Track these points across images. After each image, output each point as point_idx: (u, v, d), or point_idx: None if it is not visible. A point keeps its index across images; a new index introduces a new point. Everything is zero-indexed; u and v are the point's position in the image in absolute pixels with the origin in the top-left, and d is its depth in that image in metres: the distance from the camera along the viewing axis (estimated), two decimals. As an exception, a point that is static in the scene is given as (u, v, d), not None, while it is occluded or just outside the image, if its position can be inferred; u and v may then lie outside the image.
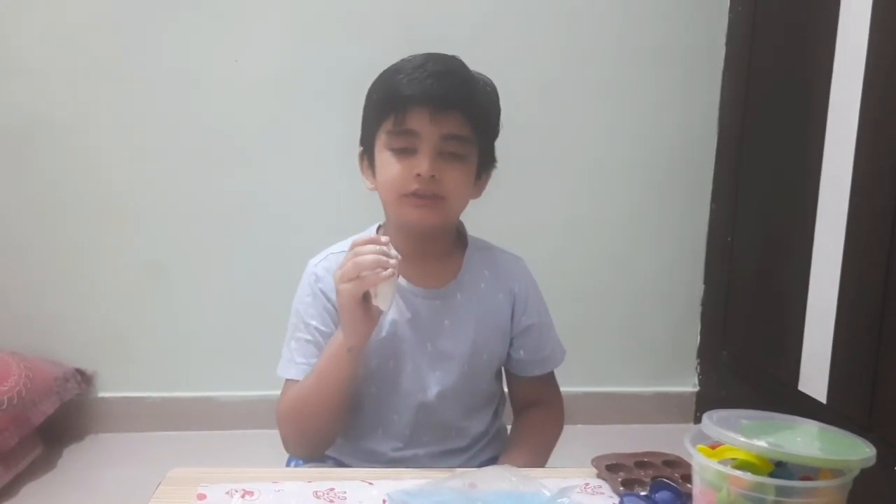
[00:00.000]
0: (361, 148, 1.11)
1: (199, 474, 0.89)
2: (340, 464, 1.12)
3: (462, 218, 1.15)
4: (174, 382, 2.28)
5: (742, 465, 0.70)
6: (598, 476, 0.92)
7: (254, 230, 2.24)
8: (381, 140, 1.04)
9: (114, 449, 2.17)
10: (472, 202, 1.11)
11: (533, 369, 1.16)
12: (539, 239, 2.25)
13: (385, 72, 1.06)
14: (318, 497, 0.85)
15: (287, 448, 1.10)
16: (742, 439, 0.69)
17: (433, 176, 1.00)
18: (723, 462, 0.71)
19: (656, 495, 0.83)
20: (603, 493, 0.88)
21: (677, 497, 0.82)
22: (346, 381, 1.01)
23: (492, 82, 1.09)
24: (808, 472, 0.70)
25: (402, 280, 1.04)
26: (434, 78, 1.00)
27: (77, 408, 2.21)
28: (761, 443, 0.69)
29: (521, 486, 0.84)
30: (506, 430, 1.21)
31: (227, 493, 0.84)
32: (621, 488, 0.87)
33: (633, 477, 0.89)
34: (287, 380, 1.08)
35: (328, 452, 1.13)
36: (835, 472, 0.69)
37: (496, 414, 1.18)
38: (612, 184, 2.35)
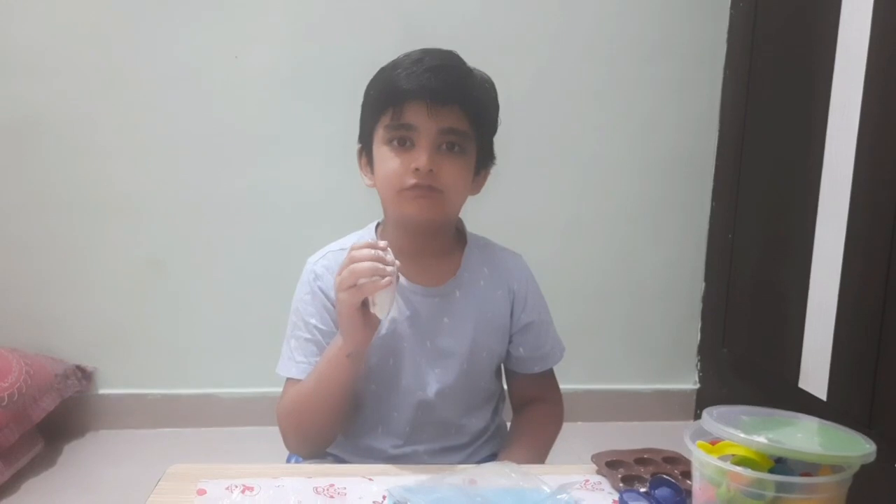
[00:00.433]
0: (360, 145, 1.11)
1: (200, 470, 0.89)
2: (340, 460, 1.12)
3: (462, 215, 1.15)
4: (174, 379, 2.28)
5: (742, 462, 0.70)
6: (598, 472, 0.92)
7: (254, 227, 2.24)
8: (379, 135, 1.04)
9: (114, 445, 2.17)
10: (472, 199, 1.11)
11: (532, 366, 1.16)
12: (540, 237, 2.26)
13: (383, 68, 1.06)
14: (318, 493, 0.85)
15: (288, 446, 1.10)
16: (742, 435, 0.69)
17: (431, 170, 0.99)
18: (722, 458, 0.71)
19: (656, 492, 0.83)
20: (603, 490, 0.88)
21: (677, 493, 0.82)
22: (345, 385, 1.02)
23: (490, 79, 1.08)
24: (807, 468, 0.70)
25: (401, 278, 1.03)
26: (431, 72, 0.99)
27: (77, 404, 2.21)
28: (761, 439, 0.69)
29: (520, 482, 0.84)
30: (505, 426, 1.21)
31: (227, 488, 0.84)
32: (621, 485, 0.87)
33: (633, 473, 0.89)
34: (288, 379, 1.08)
35: (329, 449, 1.13)
36: (834, 469, 0.69)
37: (496, 411, 1.18)
38: (613, 181, 2.35)
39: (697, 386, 2.48)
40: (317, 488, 0.86)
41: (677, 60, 2.31)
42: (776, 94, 2.08)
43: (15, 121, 2.14)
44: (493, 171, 1.14)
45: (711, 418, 0.73)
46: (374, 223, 1.15)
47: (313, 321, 1.07)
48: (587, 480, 0.90)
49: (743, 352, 2.25)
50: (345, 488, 0.86)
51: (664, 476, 0.86)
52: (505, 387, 1.21)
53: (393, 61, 1.05)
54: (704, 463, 0.71)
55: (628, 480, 0.88)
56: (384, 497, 0.84)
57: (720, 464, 0.69)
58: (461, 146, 1.03)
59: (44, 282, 2.21)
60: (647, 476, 0.88)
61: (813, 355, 1.86)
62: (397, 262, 0.94)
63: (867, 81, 1.67)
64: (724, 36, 2.31)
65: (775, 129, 2.08)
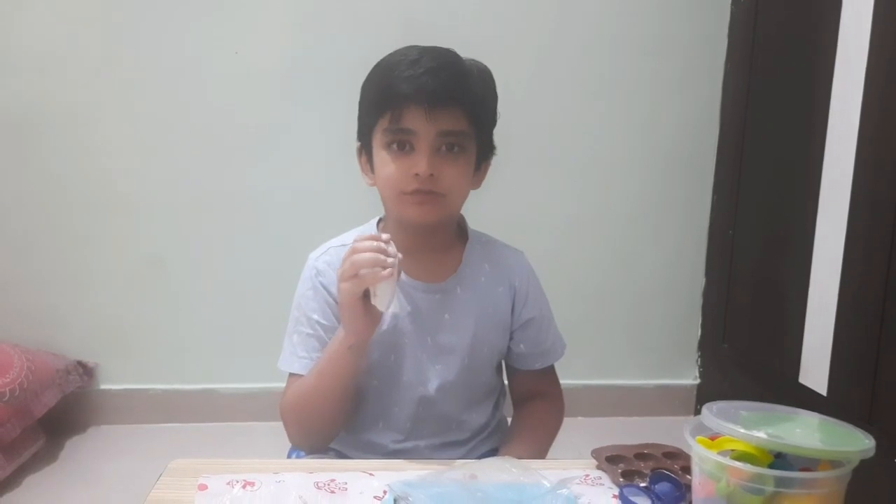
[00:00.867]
0: (359, 143, 1.10)
1: (201, 465, 0.89)
2: (342, 455, 1.12)
3: (464, 212, 1.14)
4: (176, 374, 2.29)
5: (741, 457, 0.70)
6: (598, 467, 0.92)
7: (254, 223, 2.24)
8: (378, 138, 1.03)
9: (115, 440, 2.17)
10: (473, 196, 1.10)
11: (533, 363, 1.17)
12: (540, 233, 2.26)
13: (379, 66, 1.05)
14: (318, 488, 0.85)
15: (291, 440, 1.10)
16: (741, 431, 0.69)
17: (432, 174, 0.99)
18: (722, 453, 0.71)
19: (656, 486, 0.83)
20: (603, 485, 0.88)
21: (677, 488, 0.82)
22: (348, 378, 1.02)
23: (487, 69, 1.07)
24: (807, 463, 0.70)
25: (402, 274, 1.03)
26: (430, 74, 0.98)
27: (79, 400, 2.21)
28: (761, 434, 0.69)
29: (521, 477, 0.85)
30: (506, 422, 1.22)
31: (228, 483, 0.84)
32: (621, 479, 0.87)
33: (633, 468, 0.89)
34: (290, 374, 1.08)
35: (330, 445, 1.13)
36: (834, 464, 0.69)
37: (496, 406, 1.18)
38: (613, 176, 2.35)
39: (698, 381, 2.48)
40: (317, 483, 0.86)
41: (678, 56, 2.30)
42: (777, 91, 2.08)
43: (16, 117, 2.14)
44: (494, 168, 1.13)
45: (711, 414, 0.73)
46: (376, 219, 1.15)
47: (315, 316, 1.07)
48: (587, 475, 0.90)
49: (743, 347, 2.25)
50: (345, 483, 0.86)
51: (664, 471, 0.86)
52: (506, 382, 1.21)
53: (389, 58, 1.03)
54: (704, 458, 0.71)
55: (628, 475, 0.88)
56: (385, 492, 0.84)
57: (720, 459, 0.69)
58: (461, 146, 1.02)
59: (45, 278, 2.21)
60: (647, 471, 0.88)
61: (813, 351, 1.86)
62: (399, 255, 0.93)
63: (868, 78, 1.66)
64: (725, 32, 2.30)
65: (776, 126, 2.08)
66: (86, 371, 2.22)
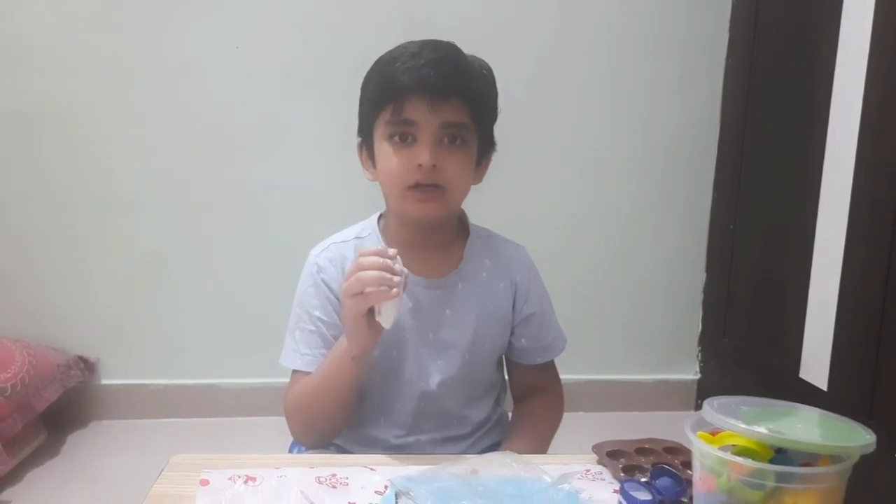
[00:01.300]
0: (360, 138, 1.10)
1: (202, 460, 0.89)
2: (343, 450, 1.12)
3: (465, 208, 1.15)
4: (177, 370, 2.29)
5: (742, 452, 0.70)
6: (599, 462, 0.92)
7: (255, 218, 2.24)
8: (380, 131, 1.03)
9: (117, 435, 2.18)
10: (474, 194, 1.10)
11: (534, 358, 1.17)
12: (541, 230, 2.25)
13: (380, 60, 1.05)
14: (320, 483, 0.85)
15: (294, 436, 1.11)
16: (742, 426, 0.69)
17: (434, 165, 0.99)
18: (723, 448, 0.71)
19: (657, 481, 0.83)
20: (604, 480, 0.88)
21: (678, 483, 0.82)
22: (351, 384, 1.02)
23: (488, 65, 1.08)
24: (807, 458, 0.70)
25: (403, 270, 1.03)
26: (431, 66, 0.98)
27: (80, 395, 2.22)
28: (761, 429, 0.69)
29: (522, 472, 0.85)
30: (507, 417, 1.22)
31: (230, 478, 0.84)
32: (622, 474, 0.87)
33: (634, 463, 0.90)
34: (294, 371, 1.08)
35: (331, 440, 1.14)
36: (834, 459, 0.69)
37: (497, 402, 1.18)
38: (614, 173, 2.35)
39: (698, 376, 2.49)
40: (319, 478, 0.86)
41: (679, 52, 2.30)
42: (778, 87, 2.07)
43: (17, 114, 2.13)
44: (495, 165, 1.13)
45: (712, 409, 0.73)
46: (377, 214, 1.15)
47: (317, 313, 1.07)
48: (588, 470, 0.90)
49: (744, 342, 2.25)
50: (347, 478, 0.86)
51: (665, 466, 0.86)
52: (506, 377, 1.22)
53: (390, 54, 1.04)
54: (705, 453, 0.71)
55: (629, 470, 0.88)
56: (386, 487, 0.84)
57: (721, 454, 0.70)
58: (463, 138, 1.03)
59: (47, 274, 2.21)
60: (648, 466, 0.88)
61: (813, 346, 1.86)
62: (406, 271, 0.93)
63: (869, 74, 1.66)
64: (726, 27, 2.30)
65: (777, 123, 2.08)
66: (87, 366, 2.23)
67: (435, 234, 1.09)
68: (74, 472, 1.96)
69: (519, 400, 1.20)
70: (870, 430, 0.71)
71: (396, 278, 0.91)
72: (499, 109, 1.10)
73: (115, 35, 2.13)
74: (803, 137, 1.89)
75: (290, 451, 1.16)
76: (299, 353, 1.07)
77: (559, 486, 0.82)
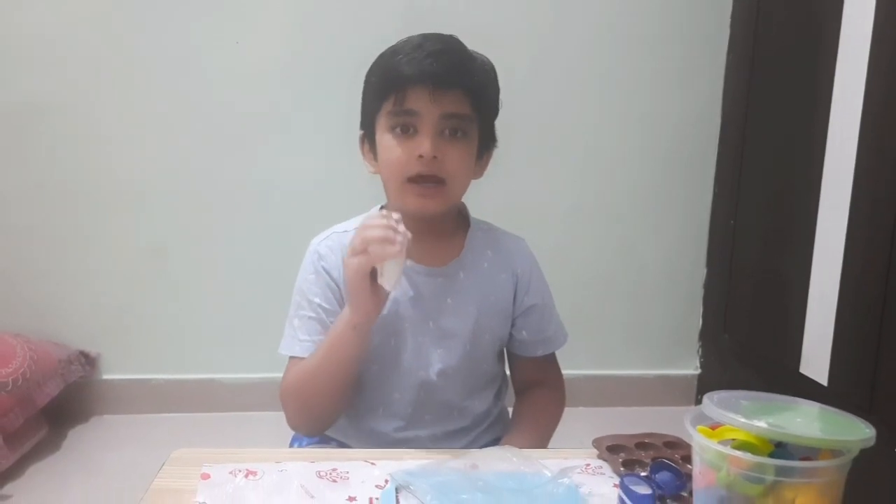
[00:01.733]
0: (362, 132, 1.11)
1: (203, 455, 0.89)
2: (343, 445, 1.12)
3: (466, 202, 1.15)
4: (178, 364, 2.29)
5: (742, 446, 0.70)
6: (599, 457, 0.92)
7: (256, 213, 2.24)
8: (382, 122, 1.04)
9: (118, 430, 2.18)
10: (475, 186, 1.11)
11: (535, 350, 1.17)
12: (542, 224, 2.26)
13: (383, 54, 1.06)
14: (320, 477, 0.85)
15: (290, 423, 1.09)
16: (742, 420, 0.69)
17: (435, 157, 1.00)
18: (723, 443, 0.71)
19: (657, 476, 0.83)
20: (604, 474, 0.88)
21: (677, 477, 0.83)
22: (351, 360, 1.01)
23: (490, 61, 1.08)
24: (807, 452, 0.70)
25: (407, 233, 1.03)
26: (433, 57, 0.99)
27: (81, 390, 2.22)
28: (761, 423, 0.69)
29: (522, 466, 0.85)
30: (507, 413, 1.22)
31: (231, 472, 0.85)
32: (622, 469, 0.87)
33: (634, 458, 0.90)
34: (291, 358, 1.08)
35: (331, 434, 1.14)
36: (834, 453, 0.69)
37: (498, 395, 1.18)
38: (615, 169, 2.35)
39: (698, 371, 2.49)
40: (319, 472, 0.86)
41: (680, 47, 2.30)
42: (779, 83, 2.07)
43: (18, 110, 2.14)
44: (495, 159, 1.14)
45: (712, 403, 0.73)
46: (378, 206, 1.15)
47: (317, 300, 1.07)
48: (588, 465, 0.90)
49: (744, 337, 2.25)
50: (347, 473, 0.86)
51: (665, 460, 0.86)
52: (507, 372, 1.22)
53: (393, 47, 1.04)
54: (705, 447, 0.71)
55: (629, 465, 0.88)
56: (386, 481, 0.84)
57: (720, 448, 0.70)
58: (464, 130, 1.03)
59: (48, 269, 2.22)
60: (648, 460, 0.88)
61: (814, 341, 1.86)
62: (409, 234, 0.93)
63: (871, 68, 1.66)
64: (727, 24, 2.30)
65: (778, 115, 2.08)
66: (88, 361, 2.23)
67: (435, 225, 1.10)
68: (75, 467, 1.96)
69: (520, 393, 1.20)
70: (870, 425, 0.71)
71: (399, 238, 0.92)
72: (501, 103, 1.10)
73: (115, 32, 2.13)
74: (804, 133, 1.89)
75: (291, 445, 1.17)
76: (297, 339, 1.07)
77: (559, 481, 0.82)
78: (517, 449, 0.89)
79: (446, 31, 1.06)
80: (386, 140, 1.03)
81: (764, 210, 2.14)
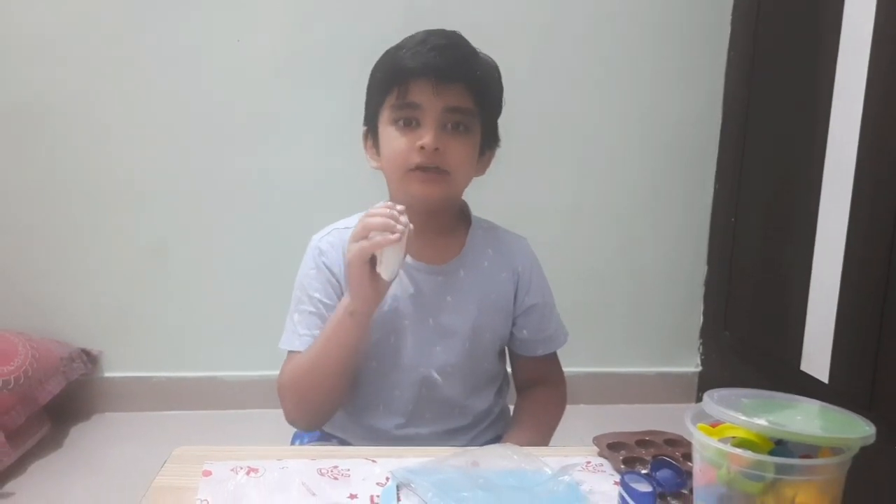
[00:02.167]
0: (365, 127, 1.11)
1: (205, 452, 0.89)
2: (344, 442, 1.12)
3: (467, 200, 1.15)
4: (179, 362, 2.30)
5: (742, 444, 0.70)
6: (600, 455, 0.92)
7: (257, 211, 2.24)
8: (385, 115, 1.04)
9: (120, 428, 2.19)
10: (476, 184, 1.11)
11: (536, 349, 1.17)
12: (543, 221, 2.25)
13: (388, 51, 1.07)
14: (322, 474, 0.85)
15: (288, 418, 1.09)
16: (742, 418, 0.69)
17: (437, 149, 1.00)
18: (723, 440, 0.71)
19: (657, 473, 0.83)
20: (604, 472, 0.89)
21: (678, 475, 0.83)
22: (348, 348, 1.01)
23: (493, 60, 1.09)
24: (807, 450, 0.70)
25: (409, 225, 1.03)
26: (436, 51, 1.00)
27: (83, 387, 2.23)
28: (761, 421, 0.69)
29: (523, 464, 0.85)
30: (508, 411, 1.22)
31: (232, 469, 0.85)
32: (622, 466, 0.87)
33: (635, 455, 0.90)
34: (289, 352, 1.08)
35: (332, 432, 1.14)
36: (834, 451, 0.69)
37: (499, 393, 1.18)
38: (616, 166, 2.35)
39: (699, 369, 2.49)
40: (321, 470, 0.86)
41: (681, 43, 2.30)
42: (780, 77, 2.07)
43: (19, 107, 2.14)
44: (495, 156, 1.14)
45: (712, 401, 0.73)
46: (380, 203, 1.15)
47: (317, 295, 1.08)
48: (589, 462, 0.91)
49: (745, 335, 2.25)
50: (348, 470, 0.87)
51: (665, 458, 0.86)
52: (508, 370, 1.22)
53: (397, 43, 1.05)
54: (705, 445, 0.71)
55: (630, 462, 0.88)
56: (387, 478, 0.84)
57: (721, 446, 0.70)
58: (466, 125, 1.03)
59: (49, 267, 2.22)
60: (649, 458, 0.88)
61: (814, 339, 1.86)
62: (410, 226, 0.94)
63: (872, 65, 1.65)
64: (728, 19, 2.30)
65: (779, 112, 2.07)
66: (90, 359, 2.23)
67: (436, 220, 1.10)
68: (77, 464, 1.97)
69: (521, 391, 1.20)
70: (870, 423, 0.71)
71: (399, 226, 0.92)
72: (503, 104, 1.10)
73: (115, 32, 2.13)
74: (805, 130, 1.89)
75: (292, 443, 1.17)
76: (297, 334, 1.07)
77: (560, 478, 0.82)
78: (518, 447, 0.89)
79: (440, 28, 1.06)
80: (389, 132, 1.04)
81: (765, 207, 2.14)
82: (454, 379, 1.10)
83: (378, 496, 0.81)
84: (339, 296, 1.07)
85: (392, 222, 0.92)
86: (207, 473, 0.84)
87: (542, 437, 1.12)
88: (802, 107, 1.92)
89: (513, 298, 1.14)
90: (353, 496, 0.81)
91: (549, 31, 2.25)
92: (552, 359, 1.20)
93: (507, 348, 1.19)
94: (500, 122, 1.12)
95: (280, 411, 1.08)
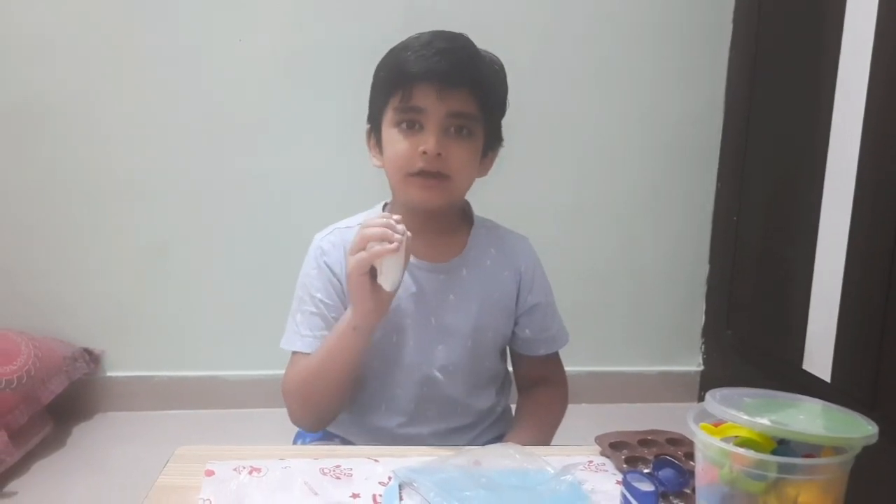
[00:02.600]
0: (369, 125, 1.11)
1: (207, 452, 0.90)
2: (346, 442, 1.13)
3: (468, 199, 1.15)
4: (181, 362, 2.30)
5: (744, 443, 0.70)
6: (602, 454, 0.93)
7: (258, 210, 2.24)
8: (388, 117, 1.04)
9: (122, 427, 2.19)
10: (478, 183, 1.11)
11: (538, 349, 1.17)
12: (545, 220, 2.26)
13: (392, 49, 1.06)
14: (324, 474, 0.85)
15: (292, 419, 1.10)
16: (745, 417, 0.69)
17: (439, 154, 1.00)
18: (725, 440, 0.71)
19: (659, 473, 0.83)
20: (606, 471, 0.89)
21: (680, 474, 0.83)
22: (352, 360, 1.01)
23: (499, 60, 1.09)
24: (810, 449, 0.70)
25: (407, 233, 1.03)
26: (441, 55, 1.00)
27: (85, 387, 2.23)
28: (764, 420, 0.69)
29: (525, 463, 0.85)
30: (510, 410, 1.22)
31: (235, 469, 0.85)
32: (624, 465, 0.87)
33: (637, 455, 0.90)
34: (293, 353, 1.08)
35: (335, 431, 1.14)
36: (837, 450, 0.69)
37: (501, 392, 1.18)
38: (617, 164, 2.35)
39: (701, 368, 2.49)
40: (323, 469, 0.86)
41: (682, 42, 2.29)
42: (782, 76, 2.07)
43: (19, 106, 2.14)
44: (500, 151, 1.14)
45: (714, 400, 0.73)
46: (382, 203, 1.15)
47: (319, 295, 1.08)
48: (591, 461, 0.91)
49: (747, 334, 2.25)
50: (351, 469, 0.87)
51: (667, 457, 0.86)
52: (510, 369, 1.22)
53: (403, 42, 1.05)
54: (707, 444, 0.71)
55: (632, 461, 0.88)
56: (390, 478, 0.84)
57: (723, 445, 0.70)
58: (469, 129, 1.03)
59: (51, 266, 2.22)
60: (651, 457, 0.88)
61: (817, 338, 1.86)
62: (408, 234, 0.94)
63: (874, 62, 1.65)
64: (730, 17, 2.29)
65: (781, 111, 2.07)
66: (92, 358, 2.23)
67: (438, 220, 1.10)
68: (80, 464, 1.97)
69: (523, 391, 1.20)
70: (872, 422, 0.71)
71: (397, 236, 0.92)
72: (507, 105, 1.10)
73: (115, 32, 2.13)
74: (807, 128, 1.89)
75: (295, 442, 1.17)
76: (300, 334, 1.08)
77: (562, 478, 0.82)
78: (520, 446, 0.89)
79: (445, 27, 1.06)
80: (392, 135, 1.04)
81: (766, 206, 2.14)
82: (456, 378, 1.10)
83: (381, 495, 0.81)
84: (341, 295, 1.07)
85: (389, 232, 0.92)
86: (210, 473, 0.84)
87: (544, 436, 1.12)
88: (804, 106, 1.91)
89: (515, 298, 1.14)
90: (355, 495, 0.81)
91: (549, 31, 2.25)
92: (554, 358, 1.20)
93: (508, 348, 1.19)
94: (503, 119, 1.12)
95: (282, 411, 1.08)
